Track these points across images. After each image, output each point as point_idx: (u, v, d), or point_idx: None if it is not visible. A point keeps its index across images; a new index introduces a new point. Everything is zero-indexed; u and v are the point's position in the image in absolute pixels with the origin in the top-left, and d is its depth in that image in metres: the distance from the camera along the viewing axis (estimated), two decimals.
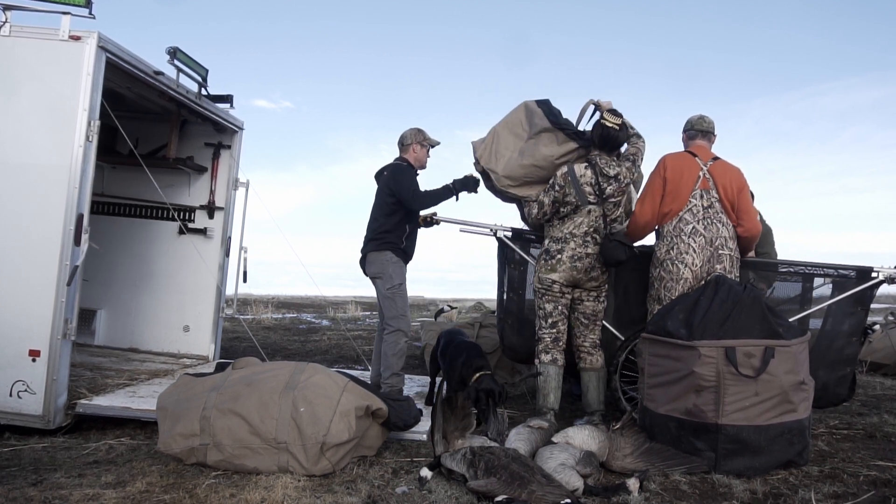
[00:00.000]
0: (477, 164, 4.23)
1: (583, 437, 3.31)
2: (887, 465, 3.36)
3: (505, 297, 4.40)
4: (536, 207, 4.02)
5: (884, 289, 4.17)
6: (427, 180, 4.54)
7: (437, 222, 4.39)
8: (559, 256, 3.91)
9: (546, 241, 4.02)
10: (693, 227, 3.76)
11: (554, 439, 3.35)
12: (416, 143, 4.41)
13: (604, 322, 4.20)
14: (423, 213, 4.35)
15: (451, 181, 4.28)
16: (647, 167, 4.63)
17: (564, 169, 3.93)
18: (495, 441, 3.32)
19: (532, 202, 4.05)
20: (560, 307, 3.98)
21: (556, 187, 3.93)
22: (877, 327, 4.23)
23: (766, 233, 5.01)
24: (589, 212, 3.91)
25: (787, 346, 3.22)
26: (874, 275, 3.99)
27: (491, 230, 4.33)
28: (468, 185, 4.29)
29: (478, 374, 3.75)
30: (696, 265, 3.72)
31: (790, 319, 4.04)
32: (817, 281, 4.12)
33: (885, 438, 3.96)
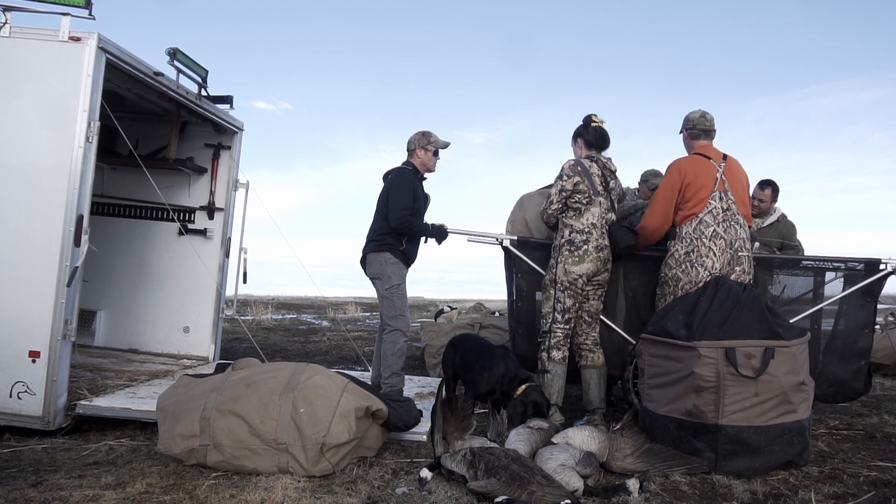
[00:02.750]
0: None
1: (583, 437, 3.31)
2: (887, 466, 3.36)
3: (514, 306, 4.37)
4: (546, 202, 4.11)
5: (885, 290, 4.20)
6: (431, 182, 4.52)
7: (446, 235, 4.40)
8: (585, 247, 3.94)
9: (567, 233, 4.01)
10: (714, 230, 3.74)
11: (554, 440, 3.35)
12: (419, 147, 4.37)
13: (614, 327, 4.22)
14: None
15: (432, 224, 4.32)
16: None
17: (571, 161, 4.06)
18: (495, 442, 3.32)
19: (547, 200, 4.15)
20: (577, 303, 4.01)
21: (564, 177, 4.01)
22: (877, 328, 4.25)
23: (790, 226, 5.08)
24: (600, 203, 4.01)
25: (787, 346, 3.21)
26: (882, 267, 4.04)
27: (497, 239, 4.32)
28: (440, 234, 4.33)
29: (524, 387, 3.70)
30: (716, 268, 3.71)
31: (802, 315, 4.09)
32: (827, 275, 4.17)
33: (886, 439, 3.96)
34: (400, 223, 4.15)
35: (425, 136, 4.40)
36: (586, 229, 3.97)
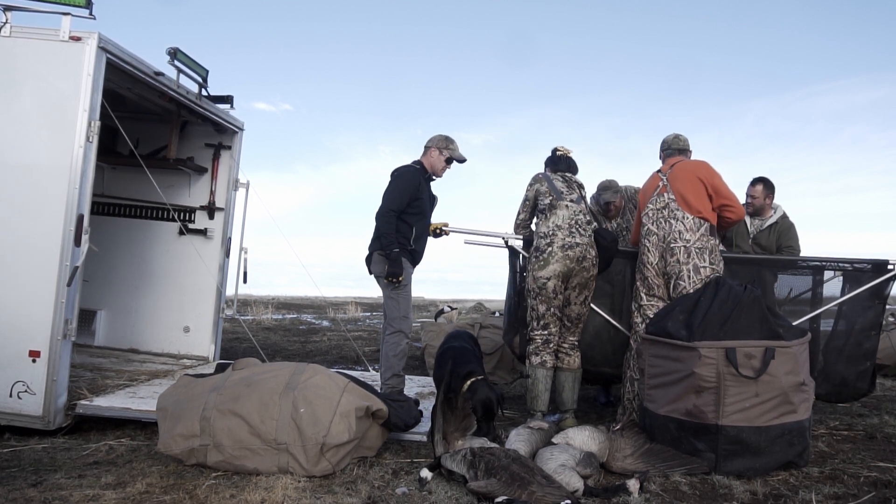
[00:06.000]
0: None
1: (583, 437, 3.31)
2: (888, 467, 3.36)
3: (519, 306, 4.31)
4: (516, 214, 4.32)
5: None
6: (433, 182, 4.49)
7: (447, 233, 4.39)
8: (550, 249, 3.98)
9: (535, 241, 4.10)
10: (647, 229, 4.02)
11: (554, 440, 3.35)
12: (435, 147, 4.35)
13: (619, 326, 4.24)
14: (433, 222, 4.38)
15: (396, 251, 4.06)
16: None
17: (538, 173, 4.24)
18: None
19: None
20: (553, 309, 4.02)
21: (527, 188, 4.23)
22: None
23: (789, 226, 4.98)
24: (567, 206, 4.07)
25: (788, 346, 3.21)
26: (890, 267, 4.03)
27: (503, 239, 4.31)
28: (395, 265, 4.07)
29: (469, 382, 3.62)
30: (653, 262, 3.96)
31: (809, 315, 4.11)
32: (827, 275, 4.17)
33: (886, 439, 3.96)
34: (380, 217, 4.12)
35: (446, 140, 4.37)
36: (550, 232, 4.02)
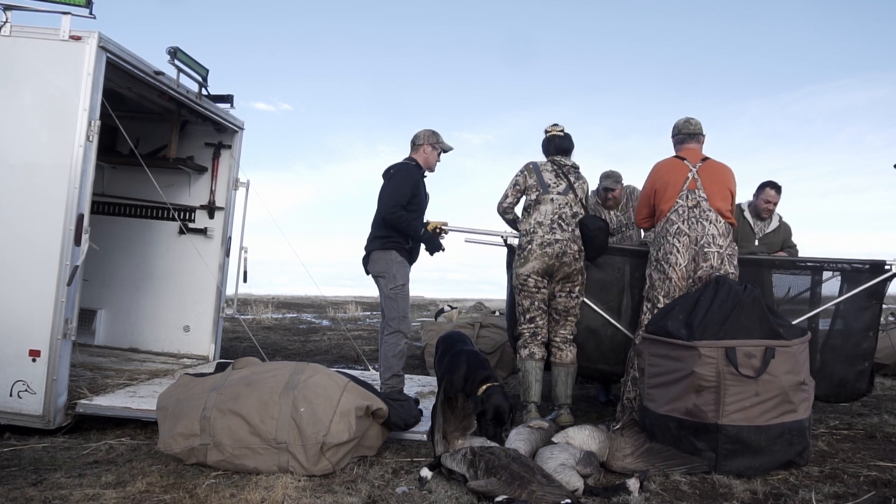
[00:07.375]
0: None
1: (583, 437, 3.31)
2: (887, 466, 3.36)
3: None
4: (502, 196, 4.28)
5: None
6: (429, 181, 4.49)
7: (446, 232, 4.37)
8: (529, 246, 4.04)
9: (519, 238, 4.16)
10: (678, 228, 3.84)
11: (554, 439, 3.35)
12: (427, 144, 4.38)
13: (618, 325, 4.23)
14: (432, 221, 4.36)
15: (424, 230, 4.23)
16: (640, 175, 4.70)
17: (530, 163, 4.23)
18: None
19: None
20: (536, 302, 4.08)
21: (518, 172, 4.23)
22: None
23: (789, 228, 5.13)
24: (552, 200, 4.09)
25: (788, 346, 3.21)
26: (887, 268, 4.03)
27: (502, 237, 4.32)
28: (432, 243, 4.26)
29: (485, 386, 3.67)
30: (681, 265, 3.80)
31: (808, 315, 4.10)
32: (825, 276, 4.16)
33: (886, 439, 3.96)
34: (391, 215, 4.12)
35: (435, 134, 4.41)
36: (531, 229, 4.08)
